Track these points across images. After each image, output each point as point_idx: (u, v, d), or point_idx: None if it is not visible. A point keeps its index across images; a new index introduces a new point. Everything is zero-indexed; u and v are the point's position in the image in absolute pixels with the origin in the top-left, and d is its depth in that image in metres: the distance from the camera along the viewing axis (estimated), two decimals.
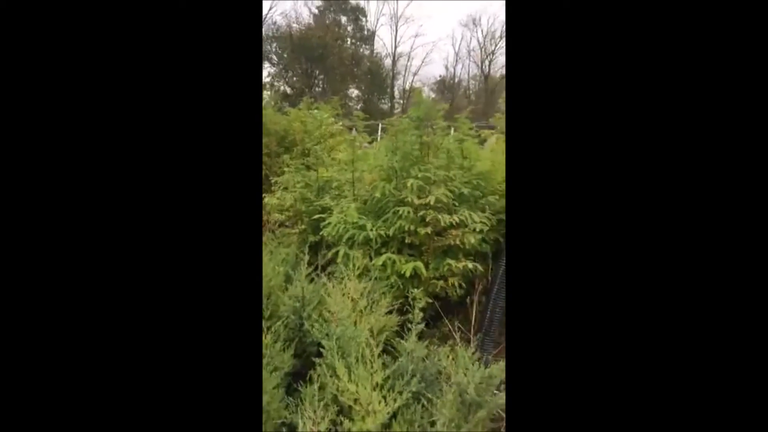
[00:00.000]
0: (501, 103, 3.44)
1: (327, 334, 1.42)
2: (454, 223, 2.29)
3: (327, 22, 22.34)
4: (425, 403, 1.26)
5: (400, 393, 1.22)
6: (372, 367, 1.25)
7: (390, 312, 1.87)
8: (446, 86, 26.54)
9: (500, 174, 2.91)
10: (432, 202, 2.21)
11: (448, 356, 1.54)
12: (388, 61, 25.66)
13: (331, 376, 1.24)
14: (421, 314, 1.72)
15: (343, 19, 23.76)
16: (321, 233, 2.46)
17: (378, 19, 29.72)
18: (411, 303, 1.77)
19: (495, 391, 1.45)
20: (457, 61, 28.22)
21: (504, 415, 1.62)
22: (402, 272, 2.16)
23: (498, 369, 1.38)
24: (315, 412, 1.11)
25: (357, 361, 1.28)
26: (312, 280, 1.92)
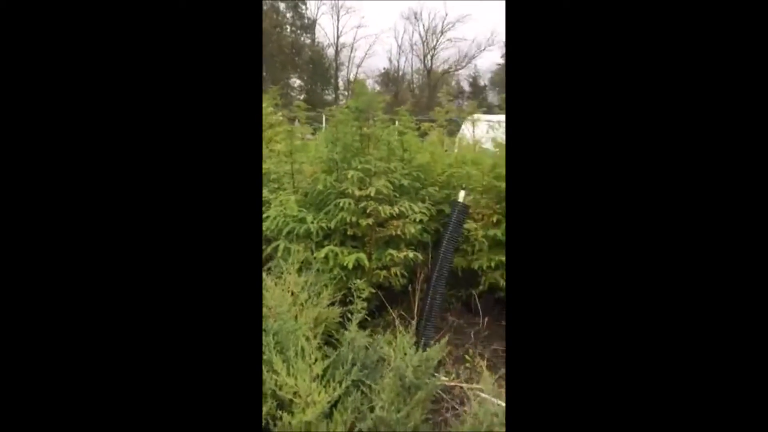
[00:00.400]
0: (441, 96, 3.55)
1: (264, 330, 1.38)
2: (394, 214, 2.33)
3: (264, 7, 21.37)
4: (365, 390, 1.28)
5: (340, 382, 1.23)
6: (311, 359, 1.25)
7: (332, 304, 1.87)
8: (390, 79, 26.74)
9: (439, 166, 3.01)
10: (372, 194, 2.23)
11: (391, 343, 1.58)
12: (330, 51, 25.22)
13: (268, 371, 1.22)
14: (365, 304, 1.74)
15: (282, 5, 22.89)
16: None
17: (318, 8, 28.99)
18: (354, 294, 1.78)
19: (434, 373, 1.51)
20: (400, 54, 28.48)
21: (444, 395, 1.70)
22: (345, 264, 2.16)
23: (435, 351, 1.44)
24: None
25: (296, 354, 1.27)
26: None
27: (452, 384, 1.78)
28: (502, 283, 2.42)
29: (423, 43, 25.61)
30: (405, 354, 1.43)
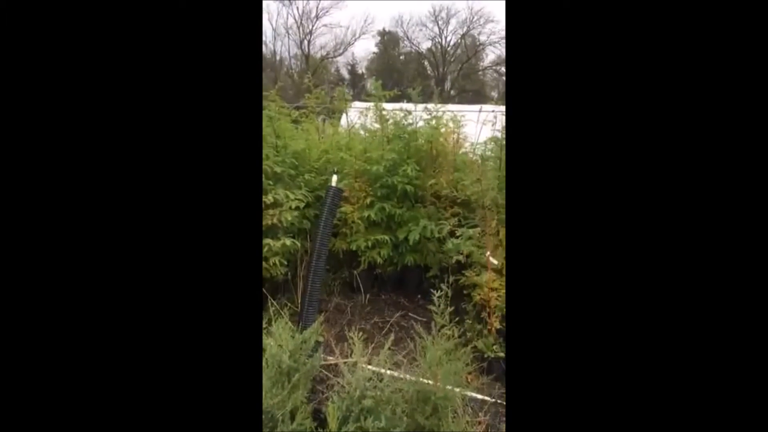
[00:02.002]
0: (308, 83, 3.50)
1: None
2: (269, 202, 2.27)
3: None
4: None
5: None
6: None
7: None
8: (268, 64, 25.32)
9: (314, 152, 3.01)
10: None
11: (270, 333, 1.56)
12: None
13: None
14: None
15: None
16: None
17: None
18: None
19: (311, 352, 1.55)
20: (275, 38, 27.06)
21: (328, 374, 1.76)
22: None
23: (310, 333, 1.48)
24: None
25: None
26: None
27: (335, 362, 1.85)
28: (379, 260, 2.58)
29: (299, 27, 24.81)
30: (283, 341, 1.43)
